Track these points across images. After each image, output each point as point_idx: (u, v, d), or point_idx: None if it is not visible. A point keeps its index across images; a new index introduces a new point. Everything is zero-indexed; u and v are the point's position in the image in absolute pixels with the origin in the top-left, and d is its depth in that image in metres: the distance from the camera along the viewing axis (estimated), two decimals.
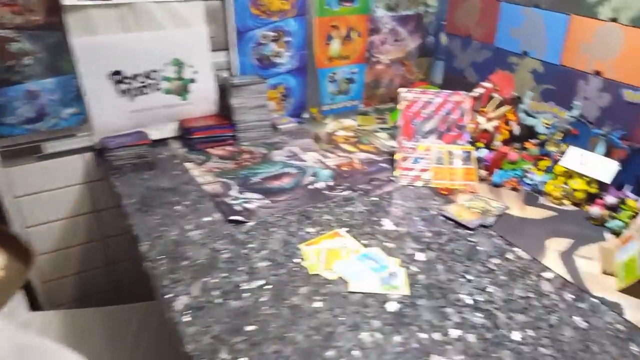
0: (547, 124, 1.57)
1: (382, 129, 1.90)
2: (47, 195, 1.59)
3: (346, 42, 1.90)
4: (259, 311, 0.96)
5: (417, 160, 1.52)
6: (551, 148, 1.52)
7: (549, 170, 1.48)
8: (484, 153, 1.54)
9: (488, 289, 1.05)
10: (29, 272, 0.96)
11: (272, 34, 1.74)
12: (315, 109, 1.95)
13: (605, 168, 1.36)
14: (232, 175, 1.47)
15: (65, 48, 1.43)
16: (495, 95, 1.62)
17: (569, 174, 1.40)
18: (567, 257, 1.18)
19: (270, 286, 1.03)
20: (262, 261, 1.10)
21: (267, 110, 1.73)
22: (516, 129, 1.62)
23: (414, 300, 1.01)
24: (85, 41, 1.45)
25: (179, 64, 1.60)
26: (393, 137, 1.74)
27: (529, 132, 1.62)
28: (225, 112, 1.71)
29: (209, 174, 1.47)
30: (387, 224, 1.28)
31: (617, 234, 1.26)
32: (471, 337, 0.93)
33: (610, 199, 1.33)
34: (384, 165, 1.59)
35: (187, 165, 1.53)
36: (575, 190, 1.38)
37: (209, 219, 1.25)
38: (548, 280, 1.10)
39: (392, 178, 1.51)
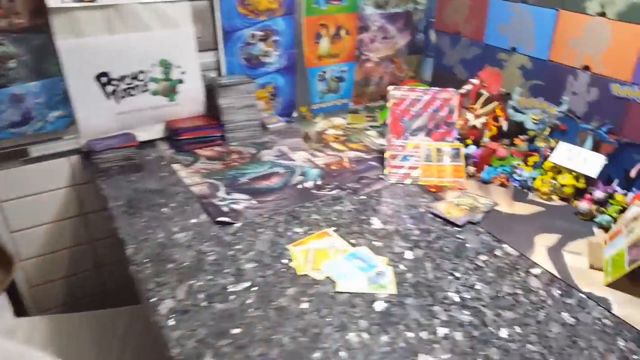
0: (535, 119, 1.57)
1: (372, 127, 1.89)
2: (33, 199, 1.57)
3: (335, 41, 1.90)
4: (245, 314, 0.95)
5: (406, 158, 1.51)
6: (540, 144, 1.52)
7: (537, 166, 1.48)
8: (472, 150, 1.54)
9: (476, 286, 1.05)
10: (10, 278, 0.95)
11: (260, 33, 1.73)
12: (305, 107, 1.95)
13: (592, 163, 1.36)
14: (219, 176, 1.46)
15: (50, 51, 1.42)
16: (484, 91, 1.61)
17: (558, 170, 1.40)
18: (555, 252, 1.18)
19: (256, 288, 1.02)
20: (248, 263, 1.10)
21: (255, 110, 1.72)
22: (505, 125, 1.62)
23: (401, 299, 1.01)
24: (71, 43, 1.43)
25: (166, 65, 1.59)
26: (383, 135, 1.74)
27: (517, 128, 1.62)
28: (213, 112, 1.70)
29: (197, 175, 1.46)
30: (376, 223, 1.27)
31: (605, 228, 1.26)
32: (458, 335, 0.92)
33: (599, 194, 1.32)
34: (373, 163, 1.58)
35: (175, 166, 1.52)
36: (563, 185, 1.37)
37: (196, 220, 1.25)
38: (536, 276, 1.09)
39: (381, 176, 1.50)
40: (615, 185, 1.38)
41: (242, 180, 1.45)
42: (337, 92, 2.00)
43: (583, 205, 1.31)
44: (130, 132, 1.60)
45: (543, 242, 1.21)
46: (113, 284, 1.83)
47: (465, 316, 0.97)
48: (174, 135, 1.63)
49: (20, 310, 1.65)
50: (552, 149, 1.44)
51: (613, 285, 1.07)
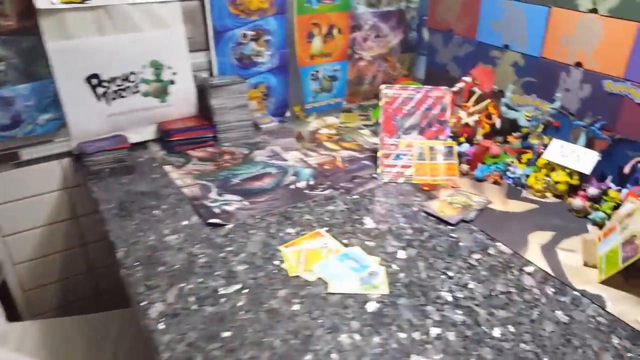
0: (528, 116, 1.57)
1: (365, 126, 1.88)
2: (25, 202, 1.56)
3: (327, 40, 1.89)
4: (235, 316, 0.95)
5: (398, 157, 1.51)
6: (533, 141, 1.52)
7: (531, 163, 1.47)
8: (465, 148, 1.53)
9: (469, 285, 1.04)
10: None
11: (251, 33, 1.72)
12: (298, 107, 1.94)
13: (585, 159, 1.35)
14: (211, 177, 1.45)
15: (40, 53, 1.41)
16: (476, 89, 1.60)
17: (551, 167, 1.40)
18: (549, 250, 1.17)
19: (247, 290, 1.01)
20: (240, 265, 1.09)
21: (247, 110, 1.71)
22: (498, 123, 1.61)
23: (394, 300, 1.00)
24: (61, 45, 1.42)
25: (157, 66, 1.58)
26: (376, 133, 1.73)
27: (511, 126, 1.61)
28: (205, 113, 1.69)
29: (188, 177, 1.45)
30: (369, 222, 1.26)
31: (599, 225, 1.25)
32: (451, 336, 0.91)
33: (592, 191, 1.32)
34: (367, 162, 1.58)
35: (166, 168, 1.51)
36: (557, 182, 1.37)
37: (187, 222, 1.24)
38: (530, 274, 1.09)
39: (374, 175, 1.50)
40: (609, 181, 1.37)
41: (234, 181, 1.44)
42: (330, 91, 2.00)
43: (577, 202, 1.30)
44: (121, 134, 1.59)
45: (537, 240, 1.20)
46: (106, 287, 1.82)
47: (458, 316, 0.96)
48: (165, 136, 1.62)
49: (13, 314, 1.64)
50: (545, 146, 1.44)
51: (607, 282, 1.06)
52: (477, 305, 0.99)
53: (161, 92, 1.62)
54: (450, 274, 1.08)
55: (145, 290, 1.01)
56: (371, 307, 0.98)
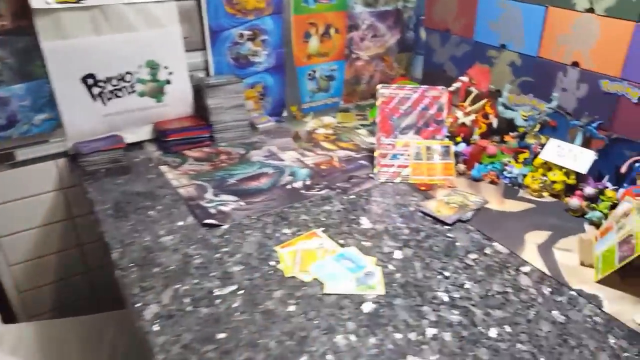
0: (525, 116, 1.56)
1: (362, 125, 1.88)
2: (20, 203, 1.55)
3: (324, 39, 1.88)
4: (231, 318, 0.94)
5: (395, 157, 1.50)
6: (530, 140, 1.51)
7: (528, 162, 1.47)
8: (462, 147, 1.53)
9: (465, 286, 1.04)
10: None
11: (248, 32, 1.71)
12: (295, 107, 1.93)
13: (582, 159, 1.35)
14: (207, 177, 1.45)
15: (35, 53, 1.40)
16: (473, 89, 1.60)
17: (548, 166, 1.39)
18: (545, 249, 1.17)
19: (243, 291, 1.01)
20: (235, 265, 1.08)
21: (244, 110, 1.71)
22: (495, 122, 1.61)
23: (390, 300, 1.00)
24: (56, 45, 1.41)
25: (153, 66, 1.57)
26: (373, 133, 1.72)
27: (508, 125, 1.61)
28: (201, 113, 1.69)
29: (184, 177, 1.45)
30: (365, 222, 1.26)
31: (596, 224, 1.25)
32: (447, 336, 0.91)
33: (589, 190, 1.32)
34: (363, 162, 1.57)
35: (162, 168, 1.50)
36: (553, 182, 1.36)
37: (182, 223, 1.23)
38: (526, 274, 1.08)
39: (371, 175, 1.49)
40: (605, 181, 1.37)
41: (230, 181, 1.43)
42: (327, 91, 1.99)
43: (574, 201, 1.30)
44: (117, 134, 1.58)
45: (533, 240, 1.20)
46: (103, 288, 1.82)
47: (455, 316, 0.96)
48: (161, 136, 1.61)
49: (9, 316, 1.63)
50: (542, 145, 1.43)
51: (604, 282, 1.06)
52: (473, 305, 0.99)
53: (157, 92, 1.61)
54: (447, 274, 1.08)
55: (140, 292, 1.01)
56: (367, 307, 0.98)
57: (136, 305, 0.97)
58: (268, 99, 1.87)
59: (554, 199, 1.38)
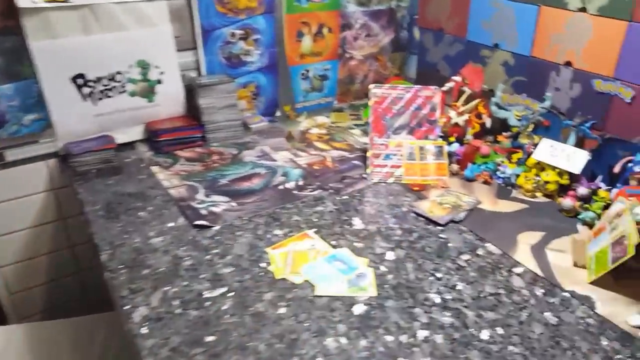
0: (519, 116, 1.56)
1: (356, 125, 1.87)
2: (10, 204, 1.54)
3: (317, 39, 1.87)
4: (220, 320, 0.93)
5: (388, 157, 1.49)
6: (523, 140, 1.51)
7: (521, 162, 1.46)
8: (455, 147, 1.52)
9: (457, 287, 1.03)
10: None
11: (240, 32, 1.70)
12: (289, 107, 1.92)
13: (575, 159, 1.34)
14: (199, 177, 1.44)
15: (24, 52, 1.38)
16: (466, 88, 1.59)
17: (541, 166, 1.39)
18: (538, 250, 1.16)
19: (233, 293, 1.00)
20: (226, 267, 1.07)
21: (236, 109, 1.70)
22: (488, 122, 1.60)
23: (381, 302, 0.99)
24: (45, 45, 1.40)
25: (144, 66, 1.56)
26: (367, 133, 1.71)
27: (501, 125, 1.60)
28: (193, 113, 1.67)
29: (175, 177, 1.43)
30: (357, 223, 1.25)
31: (589, 225, 1.25)
32: (439, 338, 0.90)
33: (582, 190, 1.31)
34: (357, 162, 1.56)
35: (154, 168, 1.49)
36: (547, 182, 1.36)
37: (173, 224, 1.22)
38: (519, 275, 1.08)
39: (364, 175, 1.48)
40: (599, 181, 1.36)
41: (222, 181, 1.42)
42: (321, 91, 1.98)
43: (567, 202, 1.29)
44: (108, 134, 1.57)
45: (526, 240, 1.19)
46: (94, 289, 1.80)
47: (446, 318, 0.95)
48: (153, 136, 1.60)
49: (0, 317, 1.62)
50: (535, 145, 1.43)
51: (597, 283, 1.05)
52: (465, 307, 0.98)
53: (148, 92, 1.60)
54: (439, 275, 1.07)
55: (129, 294, 1.00)
56: (358, 309, 0.97)
57: (125, 308, 0.96)
58: (261, 98, 1.86)
59: (547, 199, 1.37)
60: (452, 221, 1.26)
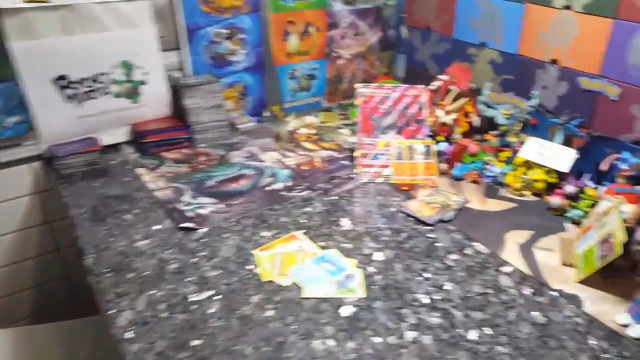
0: (506, 114, 1.56)
1: (345, 125, 1.86)
2: None
3: (304, 38, 1.86)
4: (206, 324, 0.92)
5: (376, 157, 1.49)
6: (511, 139, 1.51)
7: (509, 161, 1.46)
8: (444, 146, 1.52)
9: (445, 287, 1.03)
10: None
11: (225, 31, 1.68)
12: (277, 106, 1.91)
13: (563, 157, 1.35)
14: (185, 179, 1.42)
15: (3, 54, 1.36)
16: (453, 87, 1.59)
17: (529, 165, 1.39)
18: (526, 249, 1.16)
19: (220, 296, 0.99)
20: (212, 270, 1.06)
21: (223, 110, 1.68)
22: (476, 121, 1.60)
23: (369, 303, 0.98)
24: (26, 46, 1.37)
25: (127, 66, 1.54)
26: (356, 133, 1.71)
27: (489, 124, 1.60)
28: (179, 113, 1.66)
29: (161, 179, 1.42)
30: (346, 224, 1.24)
31: (577, 223, 1.25)
32: (427, 339, 0.90)
33: (570, 188, 1.31)
34: (345, 162, 1.56)
35: (139, 170, 1.47)
36: (534, 180, 1.36)
37: (159, 227, 1.20)
38: (507, 274, 1.08)
39: (352, 175, 1.47)
40: (586, 179, 1.37)
41: (209, 183, 1.41)
42: (309, 90, 1.97)
43: (554, 200, 1.29)
44: (93, 136, 1.55)
45: (514, 239, 1.19)
46: (82, 293, 1.78)
47: (434, 318, 0.95)
48: (138, 138, 1.58)
49: None
50: (523, 144, 1.43)
51: (585, 281, 1.05)
52: (453, 307, 0.98)
53: (133, 93, 1.58)
54: (427, 275, 1.06)
55: (115, 298, 0.98)
56: (346, 311, 0.96)
57: (109, 312, 0.95)
58: (248, 98, 1.84)
59: (535, 198, 1.37)
60: (441, 221, 1.25)
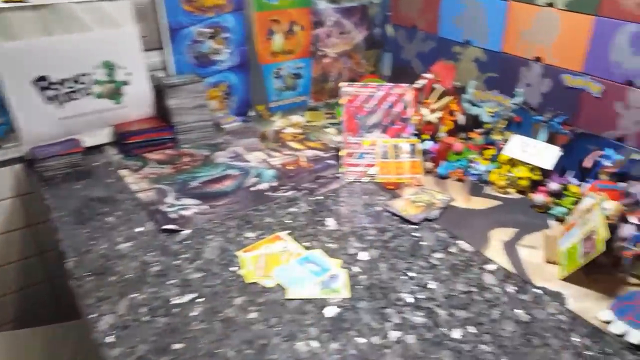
0: (491, 112, 1.56)
1: (331, 124, 1.86)
2: None
3: (289, 37, 1.85)
4: (188, 327, 0.91)
5: (362, 156, 1.48)
6: (496, 137, 1.51)
7: (494, 159, 1.46)
8: (429, 145, 1.52)
9: (429, 286, 1.03)
10: None
11: (208, 30, 1.67)
12: (262, 106, 1.90)
13: (546, 154, 1.35)
14: (169, 180, 1.41)
15: None
16: (437, 86, 1.59)
17: (513, 162, 1.39)
18: (510, 247, 1.16)
19: (202, 299, 0.98)
20: (195, 272, 1.05)
21: (207, 110, 1.67)
22: (461, 119, 1.60)
23: (354, 303, 0.98)
24: (4, 47, 1.35)
25: (109, 67, 1.52)
26: (342, 132, 1.70)
27: (474, 122, 1.60)
28: (163, 114, 1.64)
29: (145, 181, 1.40)
30: (331, 224, 1.24)
31: (561, 220, 1.25)
32: (411, 339, 0.89)
33: (554, 186, 1.32)
34: (331, 162, 1.55)
35: (122, 172, 1.45)
36: (519, 178, 1.36)
37: (142, 229, 1.19)
38: (491, 272, 1.08)
39: (338, 175, 1.47)
40: (569, 176, 1.37)
41: (192, 184, 1.39)
42: (294, 89, 1.96)
43: (538, 197, 1.30)
44: (75, 137, 1.53)
45: (499, 237, 1.19)
46: (66, 296, 1.76)
47: (418, 318, 0.94)
48: (121, 139, 1.56)
49: None
50: (507, 141, 1.43)
51: (568, 279, 1.06)
52: (437, 306, 0.97)
53: (115, 93, 1.56)
54: (412, 274, 1.06)
55: (96, 302, 0.97)
56: (330, 312, 0.96)
57: (90, 316, 0.93)
58: (233, 98, 1.83)
59: (519, 196, 1.37)
60: (426, 219, 1.25)
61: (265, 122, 1.85)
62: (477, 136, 1.55)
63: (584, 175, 1.36)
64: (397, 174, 1.44)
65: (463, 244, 1.16)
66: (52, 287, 1.73)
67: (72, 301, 1.74)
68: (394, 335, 0.90)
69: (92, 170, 1.47)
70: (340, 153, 1.50)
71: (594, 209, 1.09)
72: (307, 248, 1.14)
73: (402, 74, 1.97)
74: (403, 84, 1.51)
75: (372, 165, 1.46)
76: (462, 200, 1.35)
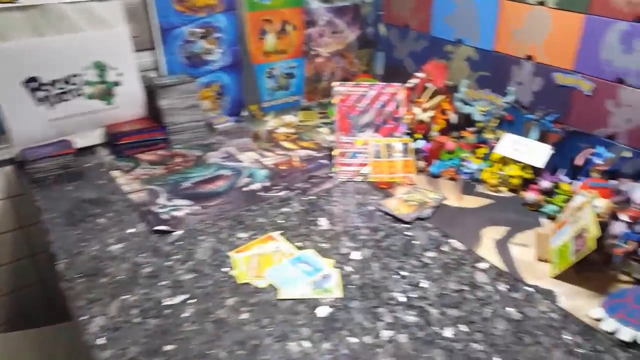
0: (483, 111, 1.56)
1: (324, 124, 1.85)
2: None
3: (282, 36, 1.85)
4: (180, 328, 0.91)
5: (355, 155, 1.48)
6: (488, 135, 1.51)
7: (486, 157, 1.47)
8: (421, 144, 1.52)
9: (422, 285, 1.03)
10: None
11: (200, 30, 1.66)
12: (255, 106, 1.90)
13: (538, 153, 1.35)
14: (161, 181, 1.40)
15: None
16: (429, 85, 1.59)
17: (505, 161, 1.39)
18: (502, 245, 1.16)
19: (194, 300, 0.97)
20: (187, 273, 1.05)
21: (199, 110, 1.66)
22: (453, 118, 1.60)
23: (346, 303, 0.98)
24: None
25: (101, 67, 1.52)
26: (334, 132, 1.70)
27: (466, 121, 1.61)
28: (155, 114, 1.63)
29: (136, 182, 1.40)
30: (324, 223, 1.23)
31: (552, 218, 1.26)
32: (402, 338, 0.90)
33: (545, 184, 1.32)
34: (324, 161, 1.55)
35: (114, 173, 1.45)
36: (510, 176, 1.37)
37: (133, 230, 1.18)
38: (483, 270, 1.08)
39: (330, 175, 1.47)
40: (560, 174, 1.37)
41: (185, 185, 1.39)
42: (287, 89, 1.96)
43: (530, 195, 1.30)
44: (66, 138, 1.52)
45: (491, 235, 1.20)
46: (58, 298, 1.75)
47: (410, 317, 0.94)
48: (113, 140, 1.56)
49: None
50: (499, 140, 1.43)
51: (559, 277, 1.06)
52: (429, 305, 0.98)
53: (106, 94, 1.56)
54: (404, 273, 1.06)
55: (87, 304, 0.97)
56: (323, 312, 0.96)
57: (81, 318, 0.93)
58: (226, 98, 1.83)
59: (511, 194, 1.38)
60: (418, 218, 1.25)
61: (258, 122, 1.85)
62: (469, 135, 1.56)
63: (575, 173, 1.36)
64: (389, 173, 1.44)
65: (455, 243, 1.17)
66: (44, 289, 1.72)
67: (64, 303, 1.74)
68: (386, 334, 0.90)
69: (84, 171, 1.47)
70: (333, 153, 1.50)
71: (585, 207, 1.09)
72: (300, 248, 1.14)
73: (394, 73, 1.97)
74: (395, 83, 1.51)
75: (364, 165, 1.46)
76: (455, 199, 1.35)
